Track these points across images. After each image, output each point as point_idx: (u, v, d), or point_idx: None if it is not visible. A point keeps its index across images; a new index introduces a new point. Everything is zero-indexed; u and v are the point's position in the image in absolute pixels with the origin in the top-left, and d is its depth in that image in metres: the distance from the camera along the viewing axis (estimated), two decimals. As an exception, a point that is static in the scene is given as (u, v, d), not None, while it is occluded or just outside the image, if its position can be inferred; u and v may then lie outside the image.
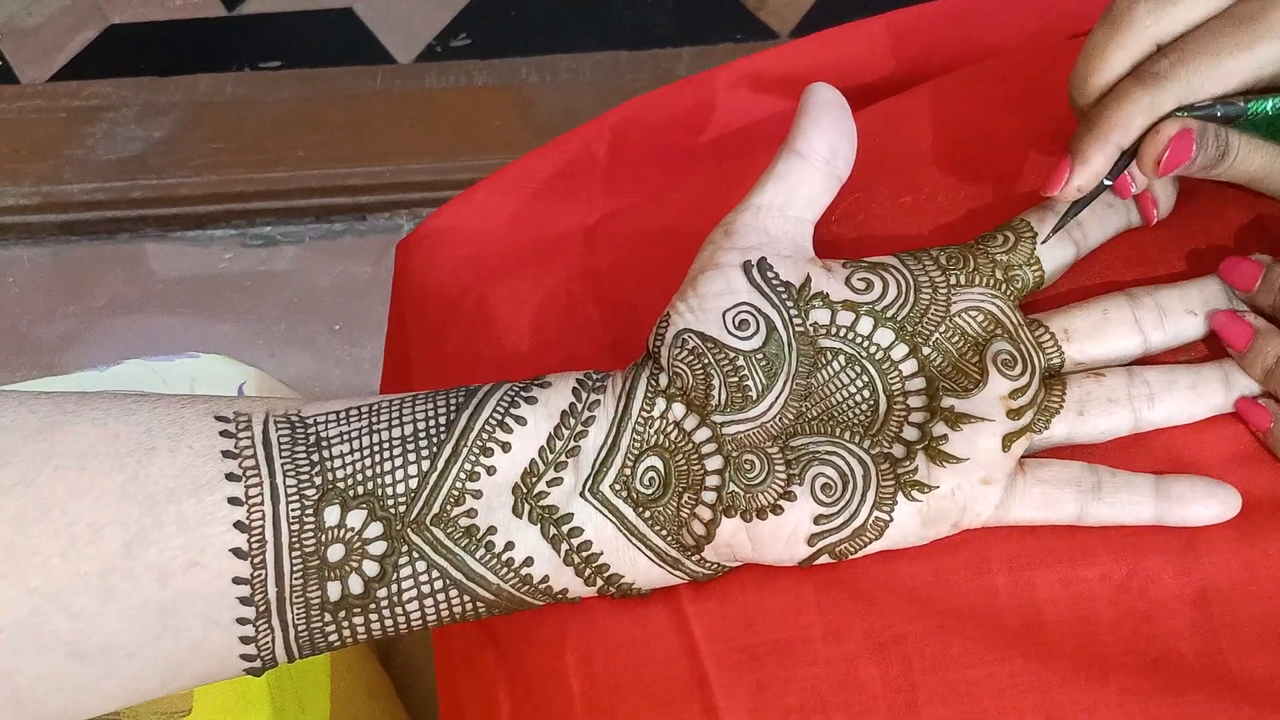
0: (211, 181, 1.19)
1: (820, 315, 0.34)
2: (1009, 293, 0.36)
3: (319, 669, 0.49)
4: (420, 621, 0.32)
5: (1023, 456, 0.34)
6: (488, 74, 1.25)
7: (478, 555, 0.32)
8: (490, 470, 0.32)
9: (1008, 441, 0.33)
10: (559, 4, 1.30)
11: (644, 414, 0.33)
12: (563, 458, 0.33)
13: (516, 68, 1.25)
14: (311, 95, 1.25)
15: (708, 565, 0.34)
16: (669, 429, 0.33)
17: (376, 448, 0.32)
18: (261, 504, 0.31)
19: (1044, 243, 0.36)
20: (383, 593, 0.32)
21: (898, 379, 0.34)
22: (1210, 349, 0.36)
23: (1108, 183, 0.35)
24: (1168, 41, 0.34)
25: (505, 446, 0.33)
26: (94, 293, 1.16)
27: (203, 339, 1.11)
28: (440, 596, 0.32)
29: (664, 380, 0.34)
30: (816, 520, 0.32)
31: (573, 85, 1.23)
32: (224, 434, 0.31)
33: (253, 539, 0.30)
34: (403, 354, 0.49)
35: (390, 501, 0.32)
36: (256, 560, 0.30)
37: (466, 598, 0.32)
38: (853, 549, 0.33)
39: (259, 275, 1.16)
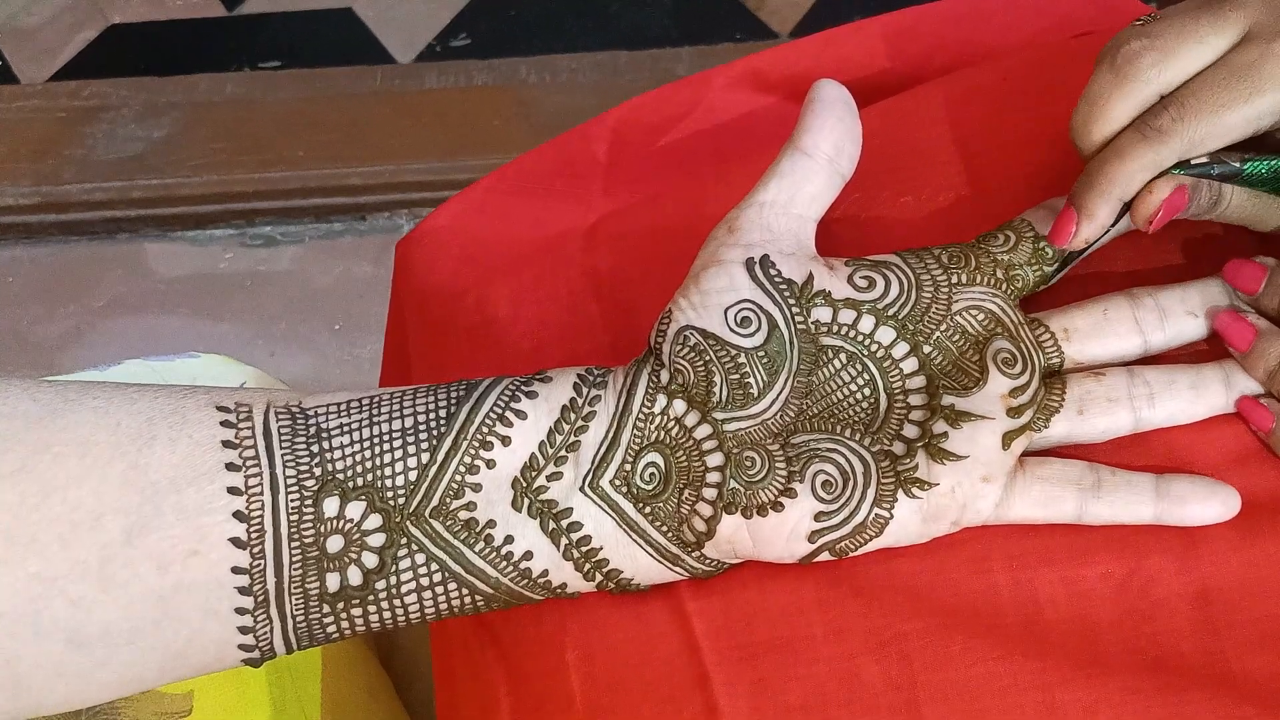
0: (211, 181, 1.19)
1: (822, 313, 0.34)
2: (1009, 292, 0.36)
3: (316, 670, 0.49)
4: (419, 614, 0.32)
5: (1023, 455, 0.34)
6: (487, 74, 1.25)
7: (477, 549, 0.32)
8: (490, 464, 0.32)
9: (1008, 439, 0.33)
10: (559, 4, 1.30)
11: (645, 410, 0.33)
12: (563, 453, 0.33)
13: (516, 68, 1.25)
14: (311, 95, 1.25)
15: (708, 562, 0.33)
16: (670, 425, 0.33)
17: (376, 439, 0.32)
18: (261, 494, 0.31)
19: (1053, 281, 0.36)
20: (381, 585, 0.32)
21: (898, 377, 0.35)
22: (1211, 349, 0.36)
23: (1110, 230, 0.35)
24: (1169, 92, 0.34)
25: (505, 440, 0.33)
26: (94, 293, 1.16)
27: (203, 339, 1.11)
28: (439, 589, 0.32)
29: (665, 377, 0.34)
30: (817, 517, 0.32)
31: (573, 85, 1.23)
32: (224, 424, 0.31)
33: (252, 529, 0.30)
34: (402, 352, 0.49)
35: (389, 493, 0.32)
36: (255, 550, 0.30)
37: (465, 591, 0.32)
38: (853, 546, 0.33)
39: (259, 275, 1.16)
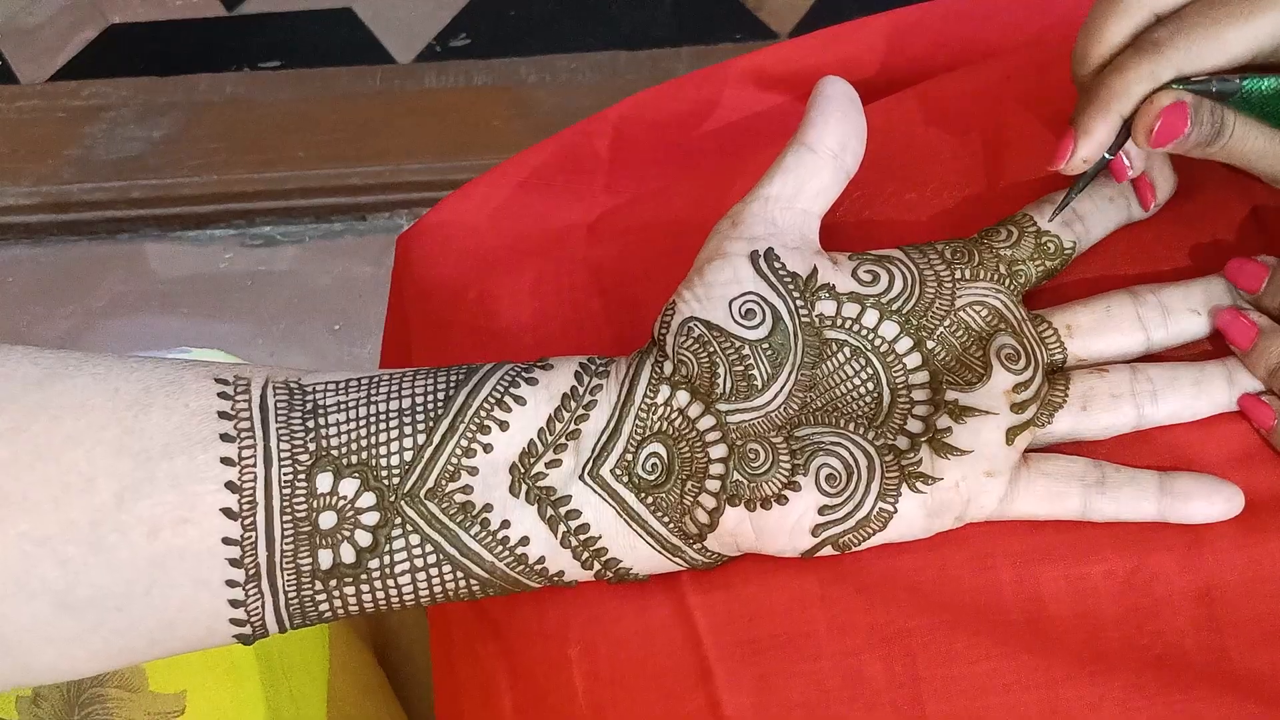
0: (211, 181, 1.19)
1: (826, 307, 0.34)
2: (1012, 287, 0.36)
3: (314, 668, 0.49)
4: (413, 596, 0.32)
5: (1027, 451, 0.34)
6: (487, 74, 1.25)
7: (472, 532, 0.32)
8: (487, 448, 0.32)
9: (1011, 435, 0.33)
10: (559, 4, 1.30)
11: (647, 400, 0.33)
12: (562, 440, 0.33)
13: (516, 68, 1.25)
14: (311, 95, 1.25)
15: (709, 554, 0.33)
16: (673, 416, 0.33)
17: (373, 419, 0.32)
18: (254, 465, 0.31)
19: (1051, 221, 0.36)
20: (374, 564, 0.31)
21: (902, 372, 0.34)
22: (1213, 347, 0.36)
23: (1109, 156, 0.35)
24: (1166, 13, 0.34)
25: (503, 425, 0.32)
26: (94, 293, 1.16)
27: (202, 339, 1.11)
28: (433, 571, 0.32)
29: (669, 368, 0.33)
30: (821, 511, 0.32)
31: (572, 85, 1.23)
32: (222, 395, 0.31)
33: (244, 499, 0.30)
34: (403, 347, 0.49)
35: (384, 473, 0.32)
36: (247, 522, 0.30)
37: (460, 574, 0.32)
38: (856, 540, 0.33)
39: (259, 275, 1.16)
